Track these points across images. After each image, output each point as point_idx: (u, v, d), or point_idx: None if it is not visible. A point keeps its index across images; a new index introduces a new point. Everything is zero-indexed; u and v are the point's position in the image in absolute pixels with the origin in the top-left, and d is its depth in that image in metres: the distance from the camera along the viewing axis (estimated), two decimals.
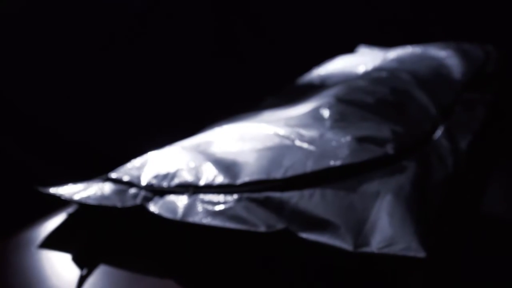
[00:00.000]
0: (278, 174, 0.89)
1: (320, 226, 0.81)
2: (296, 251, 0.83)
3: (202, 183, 0.93)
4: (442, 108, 1.21)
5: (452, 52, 1.51)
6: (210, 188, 0.92)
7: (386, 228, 0.79)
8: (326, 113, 1.08)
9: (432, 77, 1.35)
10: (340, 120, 1.05)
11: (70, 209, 1.00)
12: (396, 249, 0.75)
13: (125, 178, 1.00)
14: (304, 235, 0.81)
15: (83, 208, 0.98)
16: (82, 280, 0.85)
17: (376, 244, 0.77)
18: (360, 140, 0.97)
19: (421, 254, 0.73)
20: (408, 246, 0.75)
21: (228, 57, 1.71)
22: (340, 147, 0.94)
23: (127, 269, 0.87)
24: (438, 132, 1.11)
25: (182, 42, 1.58)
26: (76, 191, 0.99)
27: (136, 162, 1.04)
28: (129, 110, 1.45)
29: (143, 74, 1.48)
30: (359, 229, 0.80)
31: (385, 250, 0.76)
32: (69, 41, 1.37)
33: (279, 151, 0.96)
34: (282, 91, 1.50)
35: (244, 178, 0.90)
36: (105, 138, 1.39)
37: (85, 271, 0.86)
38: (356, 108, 1.11)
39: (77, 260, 0.88)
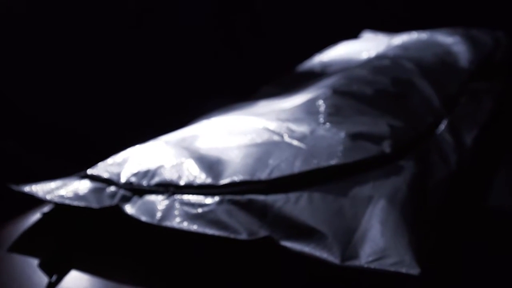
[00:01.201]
0: (263, 175, 0.81)
1: (306, 234, 0.73)
2: (280, 260, 0.74)
3: (182, 182, 0.84)
4: (447, 99, 1.11)
5: (460, 38, 1.40)
6: (191, 189, 0.83)
7: (377, 238, 0.70)
8: (320, 105, 0.99)
9: (437, 66, 1.25)
10: (334, 114, 0.96)
11: (46, 208, 0.92)
12: (387, 263, 0.66)
13: (105, 175, 0.91)
14: (288, 244, 0.72)
15: (59, 207, 0.90)
16: (51, 287, 0.77)
17: (365, 257, 0.68)
18: (354, 137, 0.87)
19: (414, 270, 0.64)
20: (401, 260, 0.66)
21: (229, 43, 1.61)
22: (332, 145, 0.85)
23: (100, 276, 0.79)
24: (441, 126, 1.02)
25: (181, 33, 1.49)
26: (52, 189, 0.91)
27: (117, 158, 0.95)
28: (123, 102, 1.37)
29: (140, 66, 1.40)
30: (348, 239, 0.71)
31: (375, 265, 0.67)
32: (64, 34, 1.29)
33: (267, 148, 0.87)
34: (280, 79, 1.40)
35: (226, 178, 0.82)
36: (99, 130, 1.31)
37: (54, 278, 0.78)
38: (353, 101, 1.01)
39: (47, 265, 0.80)
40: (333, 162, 0.81)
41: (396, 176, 0.80)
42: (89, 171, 0.93)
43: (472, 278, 0.71)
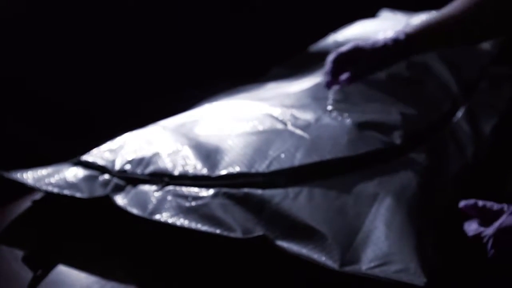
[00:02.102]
0: (261, 167, 0.74)
1: (304, 234, 0.66)
2: (275, 259, 0.68)
3: (177, 172, 0.78)
4: (465, 84, 1.03)
5: None
6: (185, 179, 0.77)
7: (381, 241, 0.63)
8: (328, 91, 0.91)
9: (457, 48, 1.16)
10: (342, 100, 0.89)
11: (37, 196, 0.86)
12: (390, 270, 0.60)
13: (99, 162, 0.85)
14: (285, 244, 0.66)
15: (50, 196, 0.84)
16: (34, 282, 0.71)
17: (367, 262, 0.62)
18: (362, 127, 0.80)
19: (419, 280, 0.58)
20: (406, 268, 0.59)
21: (243, 20, 1.53)
22: (337, 136, 0.78)
23: (88, 271, 0.73)
24: (459, 114, 0.94)
25: (188, 7, 1.41)
26: (43, 176, 0.85)
27: (113, 144, 0.89)
28: (132, 74, 1.30)
29: (145, 43, 1.33)
30: (349, 241, 0.64)
31: (377, 271, 0.60)
32: (71, 15, 1.22)
33: (268, 137, 0.80)
34: (292, 60, 1.32)
35: (222, 170, 0.75)
36: (104, 110, 1.25)
37: (39, 272, 0.73)
38: (364, 86, 0.93)
39: (32, 259, 0.75)
40: (337, 155, 0.74)
41: (406, 171, 0.73)
42: (83, 158, 0.87)
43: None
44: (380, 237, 0.63)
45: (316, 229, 0.65)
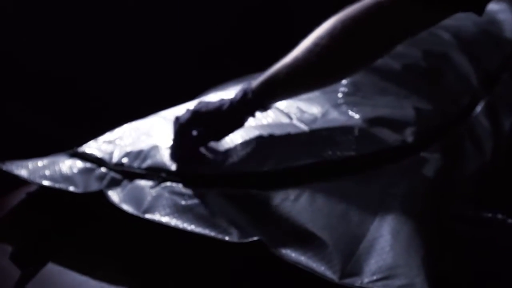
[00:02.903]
0: (261, 166, 0.69)
1: (303, 240, 0.61)
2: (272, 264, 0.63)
3: (174, 167, 0.73)
4: (486, 76, 0.95)
5: (507, 5, 1.22)
6: (182, 176, 0.72)
7: (385, 252, 0.57)
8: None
9: (479, 37, 1.08)
10: (352, 93, 0.82)
11: (32, 188, 0.82)
12: (394, 285, 0.54)
13: (96, 154, 0.81)
14: (282, 250, 0.60)
15: (44, 188, 0.80)
16: (22, 281, 0.67)
17: (369, 274, 0.56)
18: (372, 123, 0.74)
19: None
20: (411, 283, 0.54)
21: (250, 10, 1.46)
22: (344, 132, 0.72)
23: (80, 271, 0.69)
24: (478, 108, 0.87)
25: None
26: (38, 168, 0.81)
27: (112, 135, 0.84)
28: (137, 65, 1.25)
29: (158, 28, 1.27)
30: (351, 250, 0.59)
31: (379, 286, 0.55)
32: None
33: (272, 132, 0.75)
34: None
35: (221, 167, 0.70)
36: (114, 93, 1.20)
37: (29, 270, 0.68)
38: (377, 77, 0.87)
39: (21, 256, 0.70)
40: (342, 154, 0.68)
41: (417, 173, 0.67)
42: (80, 149, 0.82)
43: None
44: (384, 247, 0.57)
45: (316, 235, 0.60)
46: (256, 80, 0.72)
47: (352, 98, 0.80)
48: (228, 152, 0.73)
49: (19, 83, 1.08)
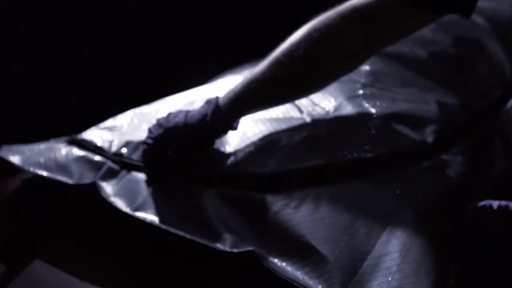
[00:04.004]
0: (263, 165, 0.62)
1: (302, 253, 0.54)
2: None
3: None
4: None
5: None
6: (180, 170, 0.65)
7: (392, 273, 0.50)
8: (357, 70, 0.76)
9: None
10: (371, 83, 0.74)
11: (28, 175, 0.76)
12: None
13: (96, 141, 0.75)
14: (278, 264, 0.54)
15: (38, 177, 0.74)
16: (5, 278, 0.62)
17: None
18: (388, 119, 0.65)
19: None
20: None
21: None
22: (356, 130, 0.64)
23: (66, 270, 0.63)
24: (510, 103, 0.78)
25: None
26: (34, 154, 0.75)
27: (114, 121, 0.78)
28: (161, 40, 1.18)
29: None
30: (354, 268, 0.51)
31: None
32: None
33: (279, 127, 0.67)
34: None
35: (219, 166, 0.63)
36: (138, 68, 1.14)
37: (13, 266, 0.63)
38: (400, 66, 0.78)
39: (5, 252, 0.65)
40: (353, 155, 0.60)
41: (436, 178, 0.59)
42: (80, 136, 0.76)
43: None
44: (391, 267, 0.50)
45: (316, 249, 0.53)
46: (225, 97, 0.65)
47: (370, 90, 0.72)
48: (230, 146, 0.66)
49: (53, 63, 1.02)
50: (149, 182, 0.65)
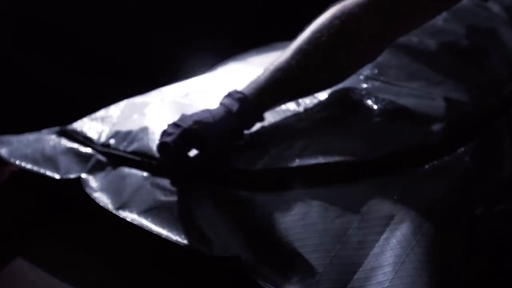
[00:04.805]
0: (255, 161, 0.57)
1: (289, 262, 0.49)
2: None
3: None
4: None
5: None
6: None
7: (385, 285, 0.45)
8: None
9: None
10: (376, 76, 0.68)
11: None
12: None
13: (86, 132, 0.71)
14: (263, 272, 0.49)
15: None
16: None
17: None
18: (391, 116, 0.60)
19: None
20: None
21: None
22: (356, 128, 0.58)
23: (53, 270, 0.59)
24: None
25: None
26: (22, 145, 0.72)
27: (106, 112, 0.74)
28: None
29: None
30: (343, 281, 0.46)
31: None
32: None
33: (273, 120, 0.63)
34: None
35: (208, 161, 0.59)
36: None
37: None
38: (408, 57, 0.72)
39: None
40: (349, 155, 0.55)
41: (439, 183, 0.54)
42: (69, 127, 0.73)
43: None
44: (382, 283, 0.45)
45: (304, 258, 0.48)
46: (250, 89, 0.61)
47: (373, 83, 0.67)
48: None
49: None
50: (175, 184, 0.59)
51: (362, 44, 0.62)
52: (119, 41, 1.03)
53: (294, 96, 0.63)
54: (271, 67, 0.61)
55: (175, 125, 0.59)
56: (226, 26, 1.07)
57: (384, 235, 0.48)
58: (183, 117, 0.60)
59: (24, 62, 0.95)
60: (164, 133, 0.59)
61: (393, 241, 0.48)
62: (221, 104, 0.61)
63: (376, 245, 0.48)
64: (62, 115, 0.76)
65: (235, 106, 0.59)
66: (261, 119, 0.61)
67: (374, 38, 0.62)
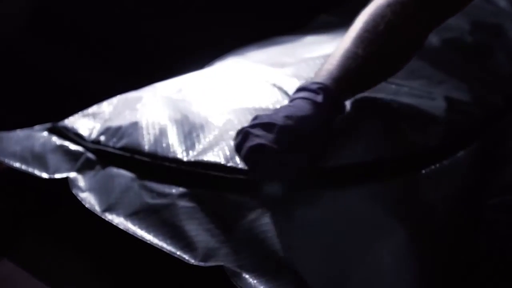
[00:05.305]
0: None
1: (275, 273, 0.47)
2: None
3: (147, 148, 0.61)
4: None
5: None
6: (154, 159, 0.60)
7: None
8: None
9: None
10: None
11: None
12: None
13: (77, 128, 0.69)
14: (247, 282, 0.47)
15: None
16: None
17: None
18: (387, 117, 0.57)
19: None
20: None
21: None
22: (350, 130, 0.55)
23: (38, 272, 0.57)
24: None
25: None
26: (11, 143, 0.70)
27: (100, 107, 0.72)
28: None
29: None
30: None
31: None
32: None
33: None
34: (344, 5, 1.06)
35: (196, 155, 0.57)
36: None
37: None
38: None
39: None
40: (341, 160, 0.52)
41: (435, 189, 0.51)
42: (61, 123, 0.70)
43: None
44: None
45: (291, 269, 0.45)
46: (324, 78, 0.57)
47: None
48: (211, 136, 0.59)
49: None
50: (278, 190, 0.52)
51: (413, 31, 0.61)
52: (116, 29, 1.01)
53: (364, 85, 0.59)
54: (337, 57, 0.59)
55: (259, 125, 0.52)
56: (230, 17, 1.04)
57: (376, 246, 0.46)
58: (264, 117, 0.53)
59: (26, 51, 0.94)
60: (244, 139, 0.51)
61: (387, 251, 0.45)
62: (300, 98, 0.56)
63: (367, 257, 0.45)
64: (62, 106, 0.74)
65: (318, 97, 0.54)
66: (342, 110, 0.57)
67: (423, 23, 0.61)
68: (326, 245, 0.47)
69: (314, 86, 0.55)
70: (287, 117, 0.52)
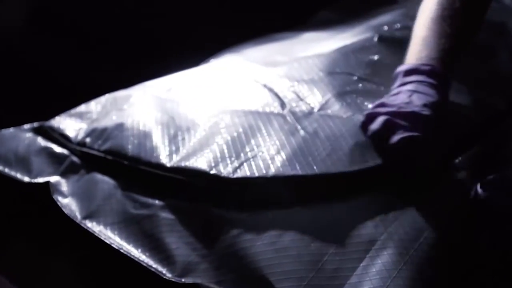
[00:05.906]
0: (226, 169, 0.52)
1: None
2: None
3: (130, 152, 0.59)
4: None
5: None
6: (137, 163, 0.57)
7: None
8: (355, 60, 0.65)
9: None
10: (369, 77, 0.62)
11: None
12: None
13: (63, 129, 0.66)
14: None
15: None
16: None
17: None
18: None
19: None
20: None
21: None
22: (338, 137, 0.52)
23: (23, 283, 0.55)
24: None
25: None
26: None
27: (88, 107, 0.70)
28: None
29: None
30: None
31: None
32: None
33: (254, 123, 0.57)
34: (344, 2, 1.03)
35: (179, 160, 0.54)
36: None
37: None
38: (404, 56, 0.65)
39: None
40: (328, 169, 0.49)
41: (427, 203, 0.47)
42: (47, 124, 0.68)
43: None
44: None
45: (273, 287, 0.42)
46: (428, 59, 0.55)
47: (365, 85, 0.60)
48: (195, 140, 0.56)
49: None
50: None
51: (478, 6, 0.61)
52: (114, 26, 0.99)
53: (455, 64, 0.57)
54: (429, 38, 0.57)
55: (398, 114, 0.48)
56: (229, 14, 1.01)
57: (363, 263, 0.42)
58: (400, 104, 0.50)
59: (26, 51, 0.92)
60: (388, 129, 0.48)
61: (373, 271, 0.42)
62: (417, 81, 0.53)
63: (354, 274, 0.42)
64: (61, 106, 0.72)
65: (434, 80, 0.53)
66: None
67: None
68: (309, 263, 0.44)
69: (425, 68, 0.54)
70: (426, 105, 0.50)
